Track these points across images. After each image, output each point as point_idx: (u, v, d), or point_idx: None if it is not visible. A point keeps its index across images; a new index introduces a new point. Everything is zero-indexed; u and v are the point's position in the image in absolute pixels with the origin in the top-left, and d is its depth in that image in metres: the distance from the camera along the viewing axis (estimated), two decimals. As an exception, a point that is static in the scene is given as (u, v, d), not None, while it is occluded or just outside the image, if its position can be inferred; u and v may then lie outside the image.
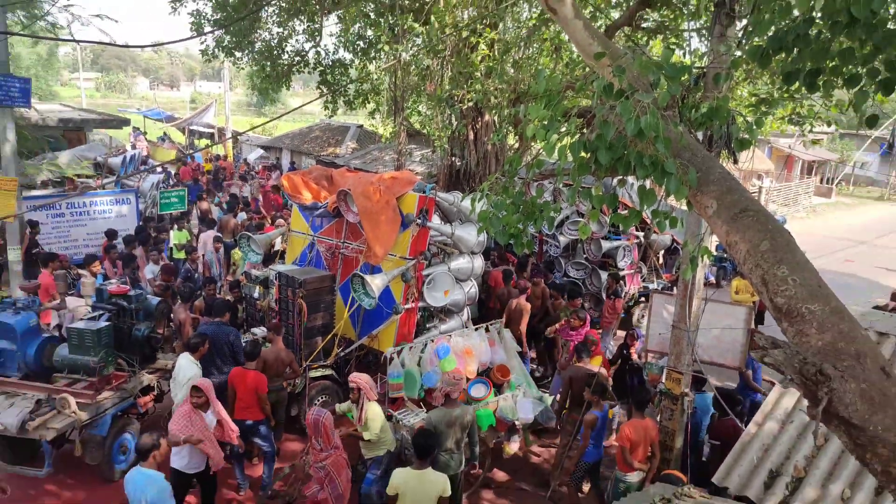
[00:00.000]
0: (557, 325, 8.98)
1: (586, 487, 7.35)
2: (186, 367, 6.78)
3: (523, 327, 9.37)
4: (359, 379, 6.27)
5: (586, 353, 7.53)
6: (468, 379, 7.36)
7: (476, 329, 8.08)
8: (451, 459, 6.14)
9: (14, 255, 10.18)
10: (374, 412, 6.21)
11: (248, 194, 17.88)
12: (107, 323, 7.25)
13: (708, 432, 7.19)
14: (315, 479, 6.04)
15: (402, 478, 5.16)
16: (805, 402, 2.50)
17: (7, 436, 6.45)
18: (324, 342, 8.14)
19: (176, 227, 12.68)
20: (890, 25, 2.97)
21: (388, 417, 6.67)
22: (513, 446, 7.49)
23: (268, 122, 17.21)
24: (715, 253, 15.29)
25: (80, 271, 9.86)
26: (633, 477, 6.23)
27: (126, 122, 25.01)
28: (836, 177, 38.05)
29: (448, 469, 6.04)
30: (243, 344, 7.45)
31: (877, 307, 10.23)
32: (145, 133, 29.59)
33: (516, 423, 7.30)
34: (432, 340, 7.60)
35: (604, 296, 10.96)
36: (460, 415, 6.16)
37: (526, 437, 7.77)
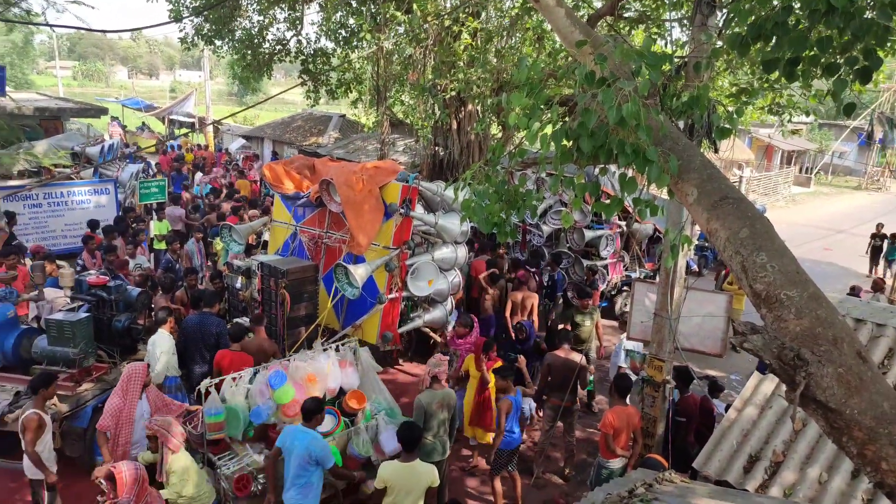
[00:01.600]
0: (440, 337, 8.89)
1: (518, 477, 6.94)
2: (160, 340, 7.02)
3: (536, 318, 9.51)
4: (157, 425, 5.19)
5: (566, 341, 7.58)
6: None
7: (325, 349, 6.68)
8: (438, 443, 6.19)
9: (-9, 246, 10.01)
10: (178, 464, 5.19)
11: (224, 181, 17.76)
12: (86, 314, 7.17)
13: (671, 409, 7.28)
14: None
15: (390, 471, 5.11)
16: (783, 388, 2.54)
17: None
18: (307, 332, 8.11)
19: (156, 217, 12.53)
20: (867, 14, 2.99)
21: (210, 464, 5.77)
22: (370, 485, 5.91)
23: (247, 108, 17.00)
24: (696, 242, 15.48)
25: (59, 262, 9.71)
26: (616, 463, 6.31)
27: (104, 112, 24.59)
28: (815, 166, 38.51)
29: (434, 454, 6.12)
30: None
31: (851, 291, 10.44)
32: (125, 126, 29.14)
33: (373, 459, 6.21)
34: (265, 368, 6.38)
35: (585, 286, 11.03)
36: (445, 396, 6.21)
37: None
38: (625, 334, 8.39)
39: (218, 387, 6.12)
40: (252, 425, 6.20)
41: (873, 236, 16.86)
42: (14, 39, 50.90)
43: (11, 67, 45.09)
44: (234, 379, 6.16)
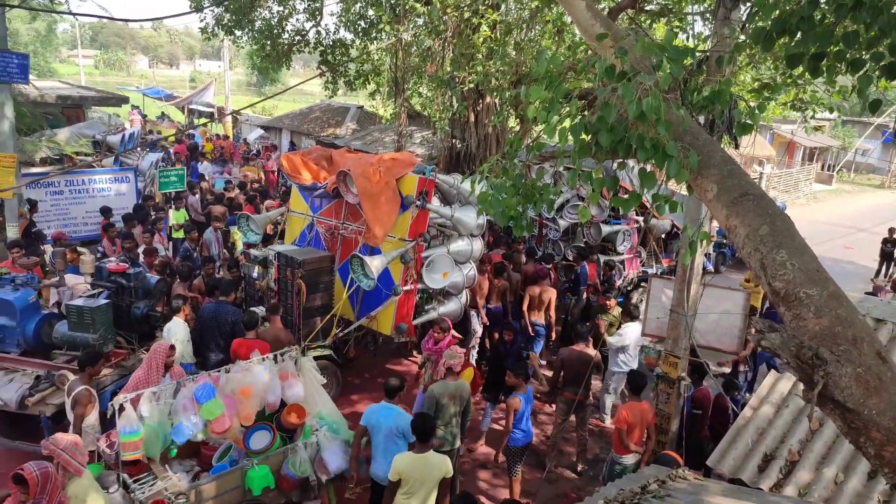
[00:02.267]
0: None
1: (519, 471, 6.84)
2: (176, 328, 7.08)
3: (553, 313, 9.52)
4: (55, 444, 4.43)
5: (583, 338, 7.55)
6: (244, 427, 5.70)
7: (263, 359, 6.04)
8: (449, 434, 6.20)
9: (13, 231, 10.17)
10: (78, 488, 4.45)
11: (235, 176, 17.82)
12: (106, 300, 7.26)
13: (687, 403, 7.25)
14: None
15: (404, 462, 5.11)
16: (800, 387, 2.51)
17: (7, 411, 6.49)
18: (322, 322, 8.17)
19: (174, 206, 12.65)
20: (895, 9, 2.94)
21: (125, 486, 5.11)
22: None
23: (266, 99, 17.10)
24: (714, 238, 15.33)
25: (80, 248, 9.84)
26: (629, 459, 6.30)
27: (125, 100, 24.85)
28: (838, 164, 37.95)
29: (445, 444, 6.13)
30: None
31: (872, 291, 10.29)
32: (145, 115, 29.39)
33: (311, 480, 5.75)
34: (192, 379, 5.75)
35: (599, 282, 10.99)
36: (458, 388, 6.22)
37: (330, 494, 6.09)
38: (632, 323, 8.36)
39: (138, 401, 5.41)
40: (175, 444, 5.56)
41: (885, 241, 16.17)
42: (38, 28, 51.49)
43: (35, 56, 45.60)
44: (154, 393, 5.48)
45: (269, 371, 5.90)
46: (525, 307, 9.44)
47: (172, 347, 6.17)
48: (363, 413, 5.78)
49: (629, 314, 8.49)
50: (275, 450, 5.61)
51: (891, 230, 16.19)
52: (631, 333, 8.26)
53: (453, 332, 9.26)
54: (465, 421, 6.46)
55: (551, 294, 9.41)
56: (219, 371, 5.79)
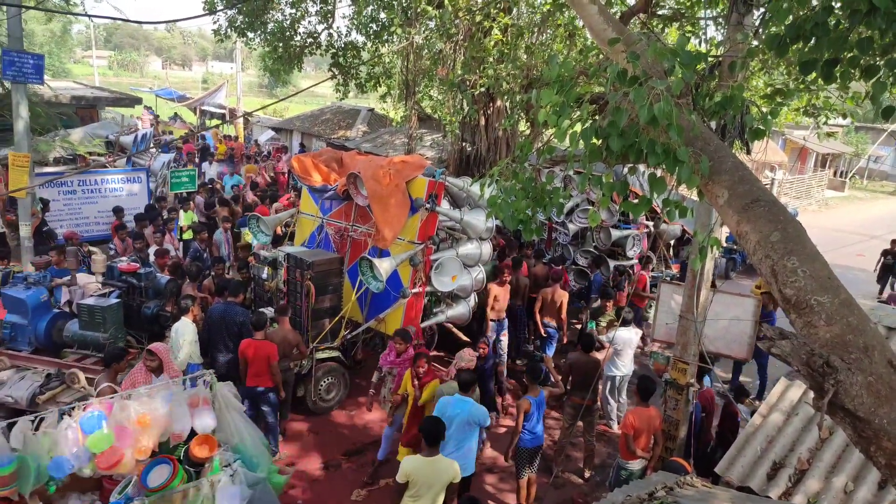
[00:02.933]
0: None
1: (531, 475, 6.76)
2: (184, 329, 7.03)
3: (564, 316, 9.48)
4: None
5: (591, 343, 7.53)
6: (138, 461, 4.89)
7: (173, 381, 5.40)
8: None
9: (24, 230, 10.26)
10: None
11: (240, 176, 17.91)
12: (117, 300, 7.32)
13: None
14: None
15: (412, 465, 5.11)
16: (811, 395, 2.49)
17: (17, 409, 6.55)
18: (331, 324, 8.18)
19: (183, 208, 12.73)
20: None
21: None
22: None
23: (277, 101, 17.15)
24: (724, 245, 15.24)
25: (91, 248, 9.93)
26: (636, 465, 6.26)
27: (138, 101, 25.05)
28: (850, 170, 37.68)
29: None
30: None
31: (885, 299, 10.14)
32: (157, 116, 29.61)
33: None
34: (80, 407, 4.85)
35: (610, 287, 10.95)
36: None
37: None
38: (622, 328, 8.35)
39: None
40: (53, 480, 4.76)
41: (885, 253, 15.19)
42: (53, 29, 52.00)
43: (50, 56, 46.06)
44: (33, 421, 4.66)
45: (174, 398, 5.15)
46: (537, 309, 9.42)
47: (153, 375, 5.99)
48: (436, 406, 6.01)
49: (623, 319, 8.39)
50: (174, 487, 4.81)
51: (894, 241, 15.35)
52: (619, 338, 8.20)
53: (461, 334, 9.27)
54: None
55: (563, 296, 9.39)
56: (112, 397, 5.04)
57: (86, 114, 20.84)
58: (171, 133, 24.78)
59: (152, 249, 10.27)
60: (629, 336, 8.24)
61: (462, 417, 5.80)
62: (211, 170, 18.51)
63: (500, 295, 8.93)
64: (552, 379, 8.85)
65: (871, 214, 28.17)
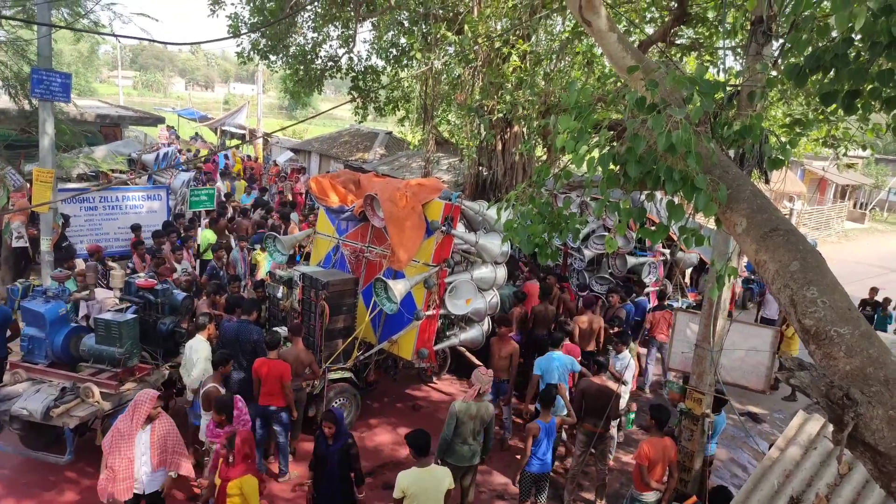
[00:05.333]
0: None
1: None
2: (199, 346, 7.07)
3: (602, 344, 9.28)
4: None
5: (604, 369, 7.46)
6: None
7: None
8: (469, 450, 6.32)
9: (45, 245, 10.40)
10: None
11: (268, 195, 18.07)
12: (133, 315, 7.37)
13: None
14: None
15: (410, 478, 5.20)
16: (830, 428, 2.45)
17: (31, 421, 6.59)
18: (344, 345, 8.18)
19: (202, 226, 12.87)
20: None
21: None
22: None
23: (297, 123, 17.39)
24: (742, 274, 15.08)
25: (111, 264, 10.03)
26: (650, 497, 6.15)
27: (161, 121, 25.48)
28: (871, 202, 37.31)
29: (464, 460, 6.30)
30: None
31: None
32: (178, 136, 30.07)
33: None
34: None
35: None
36: (480, 408, 6.31)
37: None
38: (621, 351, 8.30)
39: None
40: None
41: (864, 303, 13.05)
42: (80, 49, 53.24)
43: (76, 76, 47.03)
44: None
45: None
46: (576, 338, 9.05)
47: (160, 397, 5.79)
48: (535, 363, 7.77)
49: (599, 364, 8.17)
50: None
51: (872, 290, 13.47)
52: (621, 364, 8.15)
53: (474, 358, 9.20)
54: (488, 439, 6.53)
55: (600, 322, 9.27)
56: None
57: (110, 132, 21.21)
58: (193, 151, 25.13)
59: (180, 268, 10.37)
60: (623, 361, 8.27)
61: (560, 371, 7.58)
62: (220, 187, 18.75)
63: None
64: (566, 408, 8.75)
65: (892, 248, 27.80)
